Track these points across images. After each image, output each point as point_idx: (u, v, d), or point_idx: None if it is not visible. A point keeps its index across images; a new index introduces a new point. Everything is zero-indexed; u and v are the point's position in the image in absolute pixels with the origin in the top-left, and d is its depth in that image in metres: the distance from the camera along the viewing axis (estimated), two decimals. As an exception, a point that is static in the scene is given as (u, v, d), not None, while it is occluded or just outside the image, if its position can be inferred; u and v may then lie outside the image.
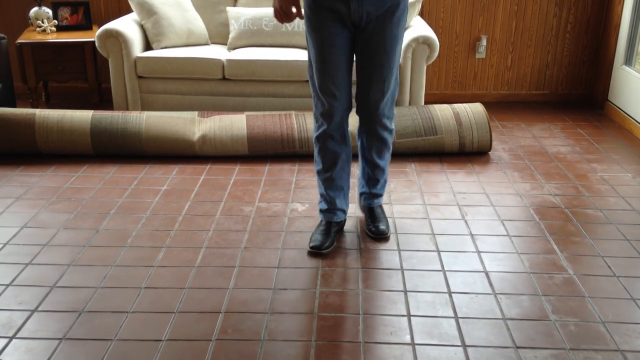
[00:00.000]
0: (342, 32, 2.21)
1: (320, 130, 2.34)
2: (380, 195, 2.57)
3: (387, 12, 2.19)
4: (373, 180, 2.51)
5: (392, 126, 2.40)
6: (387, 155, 2.48)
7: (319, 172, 2.44)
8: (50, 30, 4.08)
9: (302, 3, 2.24)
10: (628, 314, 2.02)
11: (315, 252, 2.36)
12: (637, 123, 3.75)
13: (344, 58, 2.25)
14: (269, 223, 2.61)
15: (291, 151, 3.30)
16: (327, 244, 2.38)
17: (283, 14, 2.19)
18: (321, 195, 2.47)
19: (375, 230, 2.48)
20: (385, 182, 2.55)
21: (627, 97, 3.93)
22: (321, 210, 2.48)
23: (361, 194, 2.58)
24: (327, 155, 2.37)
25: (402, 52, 2.30)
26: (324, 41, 2.21)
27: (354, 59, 2.31)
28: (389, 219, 2.62)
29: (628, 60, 4.00)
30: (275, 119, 3.37)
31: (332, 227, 2.45)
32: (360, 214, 2.67)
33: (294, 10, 2.19)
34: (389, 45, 2.23)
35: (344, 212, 2.49)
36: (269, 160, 3.29)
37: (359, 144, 2.48)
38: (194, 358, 1.80)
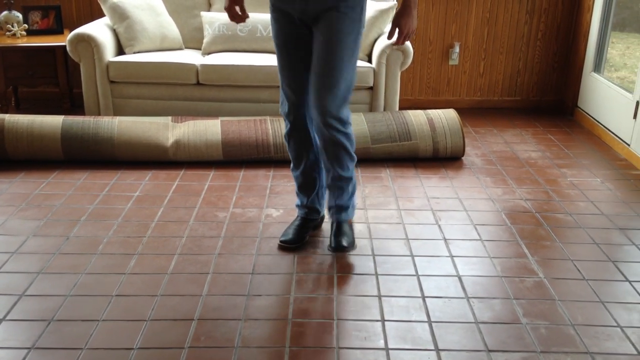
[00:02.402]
0: (296, 33, 2.22)
1: (285, 129, 2.40)
2: (346, 208, 2.37)
3: (333, 7, 2.12)
4: (338, 190, 2.33)
5: (347, 130, 2.23)
6: (348, 164, 2.29)
7: (291, 170, 2.50)
8: (20, 34, 4.01)
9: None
10: (597, 317, 2.05)
11: (283, 245, 2.42)
12: (605, 129, 3.83)
13: (299, 59, 2.24)
14: (243, 229, 2.60)
15: (266, 156, 3.30)
16: (297, 239, 2.43)
17: (230, 14, 2.28)
18: (296, 192, 2.53)
19: (335, 246, 2.32)
20: (352, 194, 2.37)
21: (596, 104, 4.01)
22: (296, 205, 2.54)
23: (329, 208, 2.41)
24: (293, 154, 2.43)
25: (358, 51, 2.22)
26: (280, 42, 2.26)
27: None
28: (363, 224, 2.63)
29: (597, 67, 4.08)
30: (250, 124, 3.36)
31: (305, 223, 2.48)
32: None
33: (237, 10, 2.28)
34: (335, 39, 2.13)
35: (317, 211, 2.51)
36: (244, 165, 3.28)
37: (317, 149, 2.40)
38: (167, 366, 1.78)
